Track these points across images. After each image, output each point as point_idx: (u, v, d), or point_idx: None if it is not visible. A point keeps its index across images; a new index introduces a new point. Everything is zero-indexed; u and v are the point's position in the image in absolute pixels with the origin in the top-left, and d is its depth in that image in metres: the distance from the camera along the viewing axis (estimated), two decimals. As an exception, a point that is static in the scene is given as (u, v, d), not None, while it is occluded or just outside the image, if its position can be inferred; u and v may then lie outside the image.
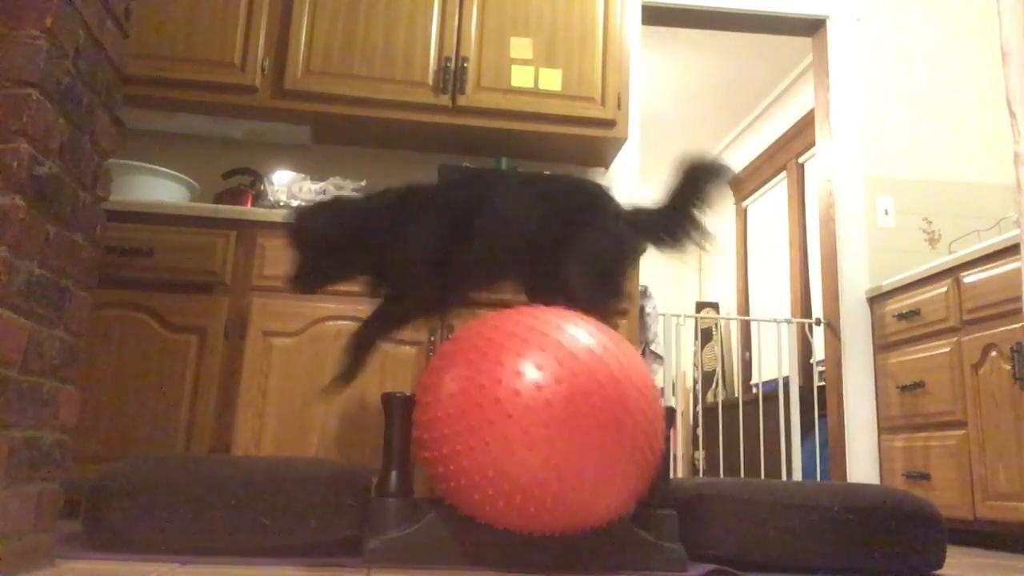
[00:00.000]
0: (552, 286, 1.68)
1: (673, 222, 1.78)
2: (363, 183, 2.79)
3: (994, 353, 2.51)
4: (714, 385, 5.88)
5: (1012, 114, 1.87)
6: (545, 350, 1.35)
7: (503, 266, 1.76)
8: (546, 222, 1.72)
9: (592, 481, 1.33)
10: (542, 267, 1.72)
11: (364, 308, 2.46)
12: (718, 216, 6.46)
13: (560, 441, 1.30)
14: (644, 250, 1.84)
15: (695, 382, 5.19)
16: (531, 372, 1.33)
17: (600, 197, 1.78)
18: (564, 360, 1.34)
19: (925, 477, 2.81)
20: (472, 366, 1.37)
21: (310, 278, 1.73)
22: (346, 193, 1.77)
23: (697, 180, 1.78)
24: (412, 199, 1.76)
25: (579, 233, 1.70)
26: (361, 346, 1.77)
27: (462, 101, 2.86)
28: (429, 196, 1.76)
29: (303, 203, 1.74)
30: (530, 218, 1.73)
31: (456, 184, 1.80)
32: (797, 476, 3.37)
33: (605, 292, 1.72)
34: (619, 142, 3.03)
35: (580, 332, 1.40)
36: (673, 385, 3.63)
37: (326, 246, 1.69)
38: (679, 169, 1.78)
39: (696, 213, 1.77)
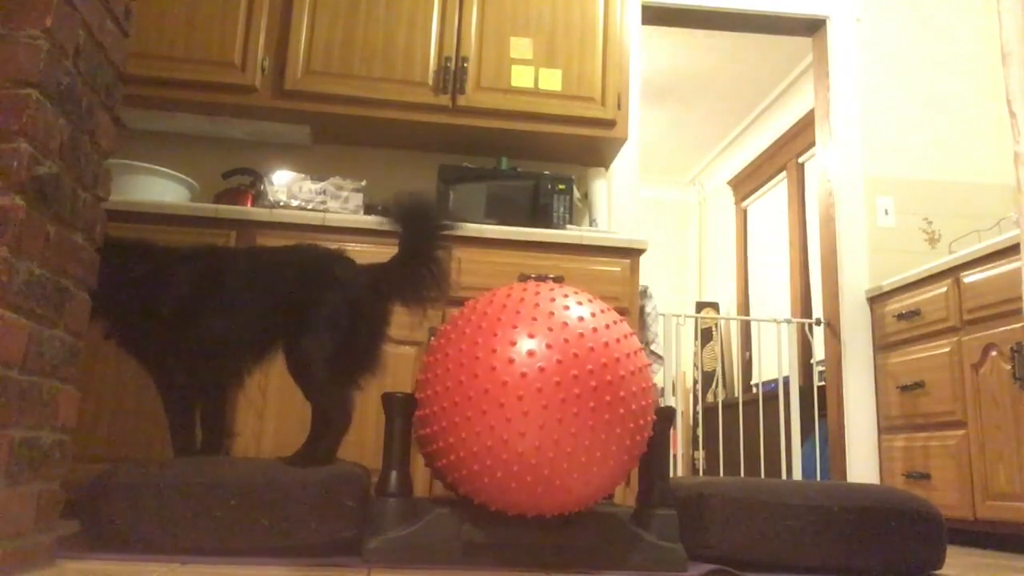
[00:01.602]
0: (296, 360, 1.69)
1: (410, 276, 1.75)
2: (363, 183, 2.79)
3: (994, 353, 2.51)
4: (714, 385, 5.88)
5: (1012, 114, 1.87)
6: (538, 319, 1.38)
7: (243, 344, 1.75)
8: (278, 298, 1.72)
9: (587, 446, 1.34)
10: (286, 341, 1.72)
11: (364, 308, 2.47)
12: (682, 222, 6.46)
13: (555, 408, 1.32)
14: (389, 309, 1.78)
15: (695, 382, 5.19)
16: (525, 342, 1.36)
17: (335, 264, 1.75)
18: (557, 329, 1.37)
19: (925, 477, 2.81)
20: (467, 339, 1.40)
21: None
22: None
23: (420, 229, 1.75)
24: (154, 268, 1.75)
25: (314, 305, 1.69)
26: (187, 450, 1.77)
27: (462, 101, 2.85)
28: (165, 270, 1.75)
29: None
30: (257, 298, 1.73)
31: (190, 257, 1.79)
32: (797, 476, 3.37)
33: (351, 360, 1.71)
34: (619, 142, 3.02)
35: (575, 306, 1.43)
36: (673, 385, 3.63)
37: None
38: (400, 218, 1.75)
39: (430, 263, 1.74)
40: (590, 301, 1.47)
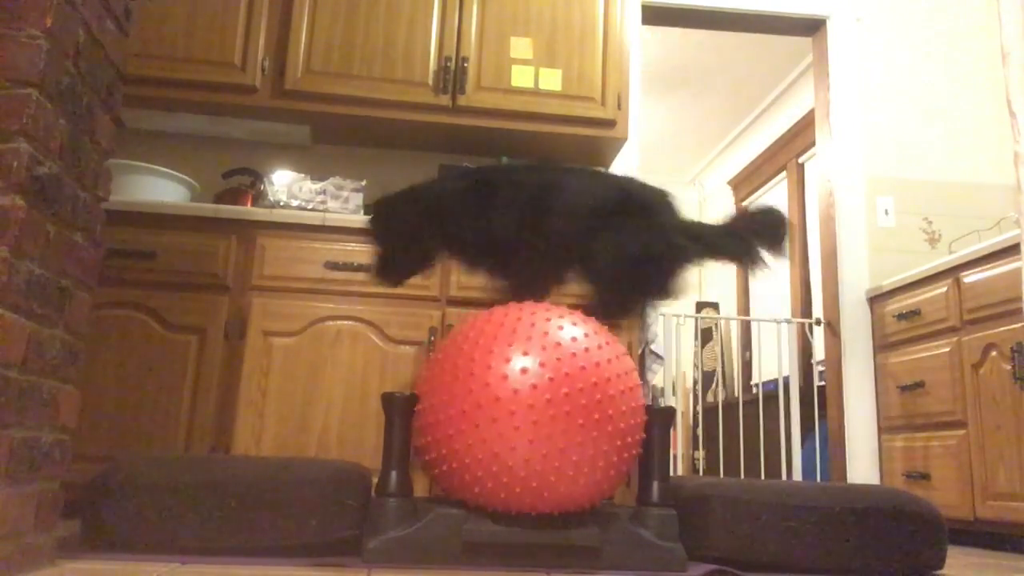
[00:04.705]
0: (594, 273, 1.72)
1: (729, 242, 1.80)
2: (363, 183, 2.80)
3: (994, 353, 2.51)
4: (714, 385, 5.88)
5: (1012, 114, 1.87)
6: (532, 339, 1.44)
7: (570, 247, 1.77)
8: (610, 212, 1.74)
9: (574, 461, 1.40)
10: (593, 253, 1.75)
11: (364, 308, 2.47)
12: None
13: (544, 423, 1.38)
14: (694, 260, 1.80)
15: (695, 382, 5.19)
16: (519, 360, 1.42)
17: (663, 199, 1.80)
18: (550, 349, 1.43)
19: (925, 477, 2.81)
20: (464, 355, 1.46)
21: (395, 270, 1.75)
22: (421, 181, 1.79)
23: (756, 225, 1.82)
24: (488, 180, 1.77)
25: (628, 226, 1.72)
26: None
27: (462, 101, 2.86)
28: (504, 178, 1.78)
29: (384, 195, 1.80)
30: (598, 205, 1.74)
31: (529, 169, 1.82)
32: (797, 476, 3.37)
33: (639, 286, 1.74)
34: (619, 142, 3.02)
35: (569, 326, 1.49)
36: (673, 385, 3.63)
37: (407, 235, 1.69)
38: (742, 215, 1.81)
39: (753, 242, 1.80)
40: (584, 322, 1.52)
